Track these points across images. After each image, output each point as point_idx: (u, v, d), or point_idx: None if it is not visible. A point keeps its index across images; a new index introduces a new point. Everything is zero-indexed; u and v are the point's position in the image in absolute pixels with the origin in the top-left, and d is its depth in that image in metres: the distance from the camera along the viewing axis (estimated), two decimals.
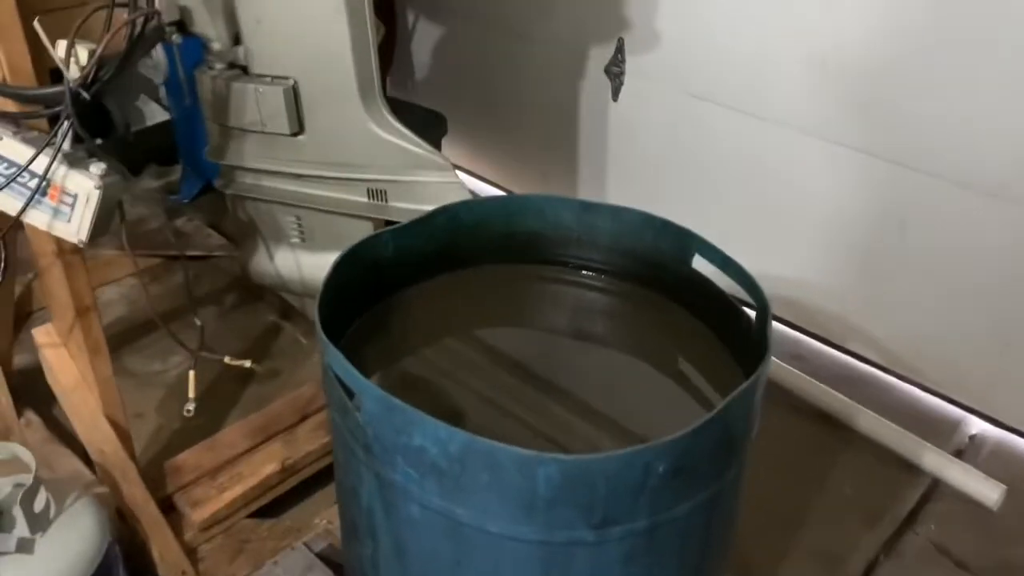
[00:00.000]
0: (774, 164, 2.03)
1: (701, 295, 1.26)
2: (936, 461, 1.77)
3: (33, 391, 1.76)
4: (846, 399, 1.91)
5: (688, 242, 1.25)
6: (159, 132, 2.45)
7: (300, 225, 1.64)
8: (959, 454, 1.85)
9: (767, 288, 1.11)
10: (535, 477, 0.90)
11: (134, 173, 2.63)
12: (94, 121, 1.30)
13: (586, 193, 2.48)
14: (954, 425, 1.93)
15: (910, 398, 1.99)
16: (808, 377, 1.97)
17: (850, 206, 1.94)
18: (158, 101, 2.43)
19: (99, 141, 1.28)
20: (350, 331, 1.25)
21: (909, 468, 1.79)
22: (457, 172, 1.49)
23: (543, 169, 2.59)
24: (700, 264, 1.25)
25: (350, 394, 1.01)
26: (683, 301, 1.31)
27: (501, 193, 2.70)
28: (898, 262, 1.91)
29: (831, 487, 1.76)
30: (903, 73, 1.73)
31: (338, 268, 1.17)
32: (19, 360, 1.87)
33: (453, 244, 1.36)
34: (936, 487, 1.78)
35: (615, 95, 2.28)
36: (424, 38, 2.72)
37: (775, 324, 2.07)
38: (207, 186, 2.39)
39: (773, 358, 1.71)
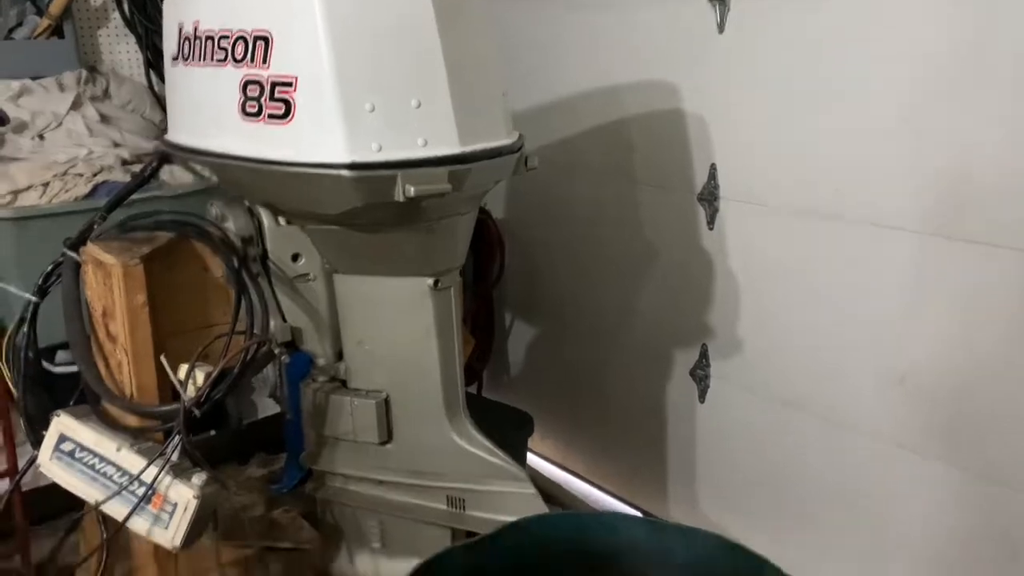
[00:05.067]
0: (866, 478, 1.95)
1: None
2: None
3: None
4: None
5: (760, 568, 1.22)
6: (271, 424, 2.61)
7: (382, 531, 1.69)
8: None
9: None
10: None
11: (242, 461, 2.79)
12: (211, 414, 1.44)
13: (676, 494, 2.44)
14: None
15: None
16: None
17: (953, 529, 1.80)
18: (273, 397, 2.63)
19: (213, 432, 1.41)
20: None
21: None
22: (533, 484, 1.53)
23: (633, 466, 2.59)
24: None
25: None
26: None
27: (591, 488, 2.70)
28: None
29: None
30: (987, 392, 1.71)
31: None
32: None
33: (527, 558, 1.37)
34: None
35: (702, 397, 2.32)
36: (519, 339, 2.89)
37: None
38: (306, 477, 2.50)
39: None
